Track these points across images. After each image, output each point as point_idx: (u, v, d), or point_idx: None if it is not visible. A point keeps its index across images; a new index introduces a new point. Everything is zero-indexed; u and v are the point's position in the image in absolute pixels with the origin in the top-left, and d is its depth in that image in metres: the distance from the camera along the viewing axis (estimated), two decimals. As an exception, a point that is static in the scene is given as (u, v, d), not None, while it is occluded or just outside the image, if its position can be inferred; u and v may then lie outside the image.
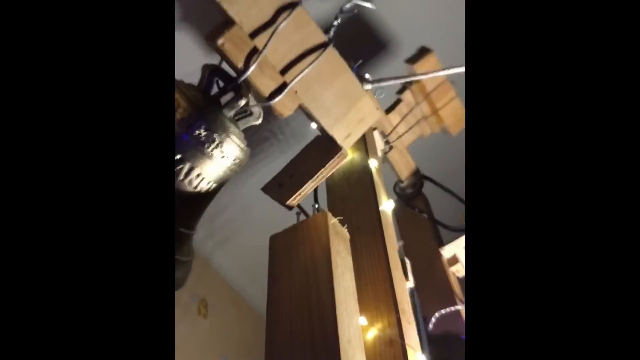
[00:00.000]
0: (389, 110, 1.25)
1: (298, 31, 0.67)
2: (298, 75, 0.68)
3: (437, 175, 1.31)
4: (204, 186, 0.65)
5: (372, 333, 0.65)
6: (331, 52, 0.71)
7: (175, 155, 0.62)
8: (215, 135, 0.64)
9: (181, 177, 0.63)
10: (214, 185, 0.67)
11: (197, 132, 0.63)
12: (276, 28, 0.64)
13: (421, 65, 1.11)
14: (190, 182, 0.63)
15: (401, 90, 1.21)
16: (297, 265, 0.66)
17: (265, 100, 0.68)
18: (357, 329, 0.61)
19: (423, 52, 1.13)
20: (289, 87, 0.67)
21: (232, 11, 0.61)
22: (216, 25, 0.65)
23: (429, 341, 0.80)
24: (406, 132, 1.25)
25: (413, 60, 1.12)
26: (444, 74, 0.95)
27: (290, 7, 0.65)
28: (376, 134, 1.18)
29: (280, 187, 0.79)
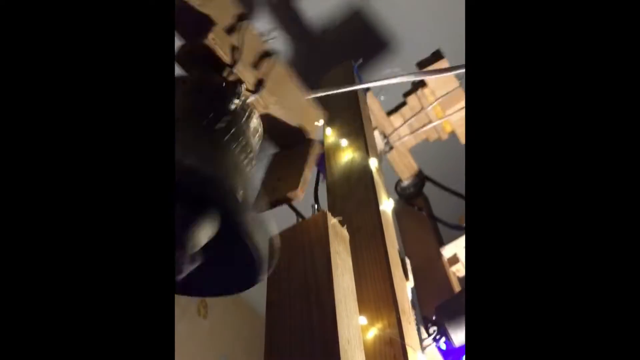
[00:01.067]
0: (391, 112, 1.25)
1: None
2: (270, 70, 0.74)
3: (438, 175, 1.31)
4: (250, 158, 0.65)
5: (372, 333, 0.65)
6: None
7: (222, 122, 0.62)
8: (246, 106, 0.67)
9: (238, 148, 0.62)
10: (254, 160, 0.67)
11: (236, 102, 0.65)
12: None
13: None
14: (240, 152, 0.62)
15: (408, 93, 1.20)
16: (297, 266, 0.66)
17: (251, 94, 0.71)
18: (356, 329, 0.61)
19: (436, 56, 1.12)
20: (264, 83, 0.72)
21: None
22: (189, 34, 0.68)
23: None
24: (409, 134, 1.24)
25: (424, 64, 1.12)
26: (444, 75, 0.95)
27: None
28: (376, 133, 1.18)
29: (279, 186, 0.78)
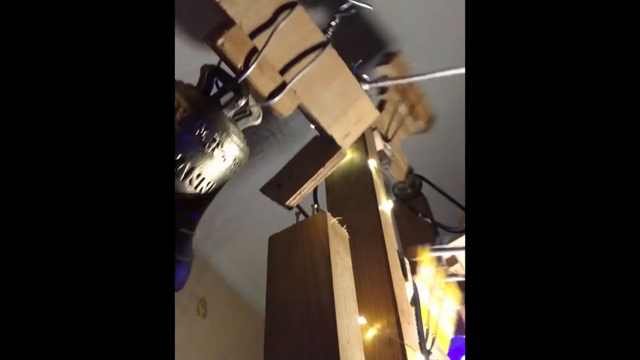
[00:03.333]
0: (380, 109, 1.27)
1: (297, 31, 0.67)
2: (297, 75, 0.68)
3: (432, 176, 1.31)
4: (204, 186, 0.65)
5: (371, 333, 0.65)
6: (330, 52, 0.71)
7: (176, 155, 0.62)
8: (215, 135, 0.64)
9: (181, 177, 0.62)
10: (214, 185, 0.67)
11: (197, 132, 0.63)
12: (275, 28, 0.64)
13: (393, 67, 1.13)
14: (190, 182, 0.63)
15: (382, 91, 1.22)
16: (297, 266, 0.66)
17: (264, 100, 0.68)
18: (356, 328, 0.61)
19: (390, 55, 1.16)
20: (288, 87, 0.67)
21: (231, 11, 0.61)
22: (215, 25, 0.65)
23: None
24: (397, 130, 1.26)
25: (384, 61, 1.15)
26: (444, 75, 0.95)
27: (289, 7, 0.65)
28: (376, 133, 1.18)
29: (279, 188, 0.79)
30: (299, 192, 0.74)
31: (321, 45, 0.70)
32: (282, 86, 0.68)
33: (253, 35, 0.64)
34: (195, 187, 0.64)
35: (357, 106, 0.77)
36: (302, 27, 0.68)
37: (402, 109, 1.25)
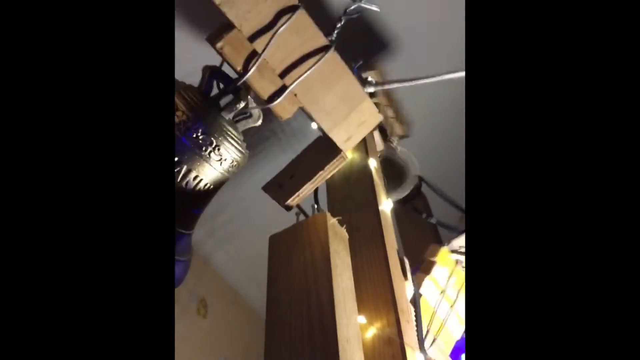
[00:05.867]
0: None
1: (298, 34, 0.67)
2: (298, 78, 0.68)
3: (432, 176, 1.31)
4: (201, 188, 0.65)
5: (371, 332, 0.65)
6: (332, 56, 0.71)
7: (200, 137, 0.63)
8: (212, 139, 0.64)
9: (178, 179, 0.63)
10: (212, 187, 0.67)
11: (194, 135, 0.63)
12: (276, 32, 0.64)
13: (376, 74, 1.14)
14: (187, 184, 0.64)
15: (372, 95, 1.23)
16: (297, 265, 0.67)
17: (264, 103, 0.68)
18: (356, 328, 0.62)
19: (370, 65, 1.16)
20: (288, 90, 0.67)
21: (231, 14, 0.61)
22: (216, 27, 0.65)
23: None
24: (391, 132, 1.27)
25: (365, 69, 1.15)
26: (444, 79, 0.95)
27: (291, 10, 0.65)
28: (376, 134, 1.19)
29: (280, 188, 0.79)
30: (298, 193, 0.75)
31: (323, 49, 0.70)
32: (282, 89, 0.68)
33: (253, 38, 0.64)
34: (192, 189, 0.65)
35: (359, 110, 0.77)
36: (303, 31, 0.68)
37: (390, 112, 1.26)
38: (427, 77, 1.03)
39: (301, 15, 0.66)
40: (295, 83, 0.68)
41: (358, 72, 1.18)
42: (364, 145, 0.97)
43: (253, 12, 0.63)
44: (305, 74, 0.68)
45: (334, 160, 0.76)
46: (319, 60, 0.69)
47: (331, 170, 0.76)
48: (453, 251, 0.98)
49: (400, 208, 1.20)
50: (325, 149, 0.78)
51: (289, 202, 0.75)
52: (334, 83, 0.73)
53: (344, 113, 0.76)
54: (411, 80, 1.06)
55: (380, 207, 0.83)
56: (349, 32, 0.80)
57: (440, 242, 1.17)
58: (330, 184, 0.94)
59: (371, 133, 1.08)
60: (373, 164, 0.93)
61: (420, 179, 1.30)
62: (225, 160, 0.66)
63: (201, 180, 0.65)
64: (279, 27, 0.64)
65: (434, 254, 0.93)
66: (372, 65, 1.16)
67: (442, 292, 0.91)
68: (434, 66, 0.96)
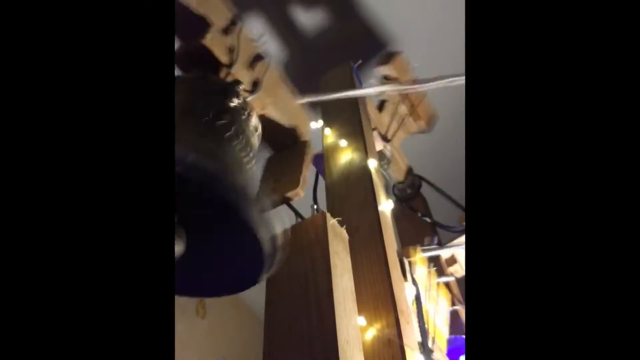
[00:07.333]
0: (380, 109, 1.27)
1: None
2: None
3: (432, 176, 1.31)
4: (251, 157, 0.66)
5: (371, 333, 0.65)
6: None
7: (224, 119, 0.62)
8: (245, 105, 0.67)
9: (235, 142, 0.63)
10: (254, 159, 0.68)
11: (235, 100, 0.66)
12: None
13: (394, 66, 1.16)
14: (241, 149, 0.63)
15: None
16: (296, 266, 0.66)
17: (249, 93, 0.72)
18: (355, 329, 0.61)
19: (391, 54, 1.20)
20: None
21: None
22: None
23: None
24: (397, 130, 1.26)
25: (384, 61, 1.17)
26: (444, 83, 0.95)
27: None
28: (375, 134, 1.18)
29: (275, 188, 0.79)
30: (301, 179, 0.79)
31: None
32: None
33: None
34: (244, 156, 0.65)
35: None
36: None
37: (403, 109, 1.26)
38: (425, 82, 1.03)
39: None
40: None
41: (357, 72, 1.18)
42: (364, 146, 0.97)
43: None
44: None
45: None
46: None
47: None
48: (424, 249, 0.99)
49: (400, 208, 1.20)
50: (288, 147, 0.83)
51: (298, 191, 0.78)
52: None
53: None
54: (406, 83, 1.06)
55: (380, 208, 0.83)
56: (349, 32, 0.80)
57: (439, 243, 1.17)
58: (329, 184, 0.94)
59: (371, 133, 1.08)
60: (373, 164, 0.93)
61: (421, 178, 1.30)
62: (258, 128, 0.69)
63: (250, 149, 0.66)
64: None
65: (407, 255, 0.94)
66: (390, 59, 1.17)
67: (427, 291, 0.91)
68: (434, 66, 0.96)
